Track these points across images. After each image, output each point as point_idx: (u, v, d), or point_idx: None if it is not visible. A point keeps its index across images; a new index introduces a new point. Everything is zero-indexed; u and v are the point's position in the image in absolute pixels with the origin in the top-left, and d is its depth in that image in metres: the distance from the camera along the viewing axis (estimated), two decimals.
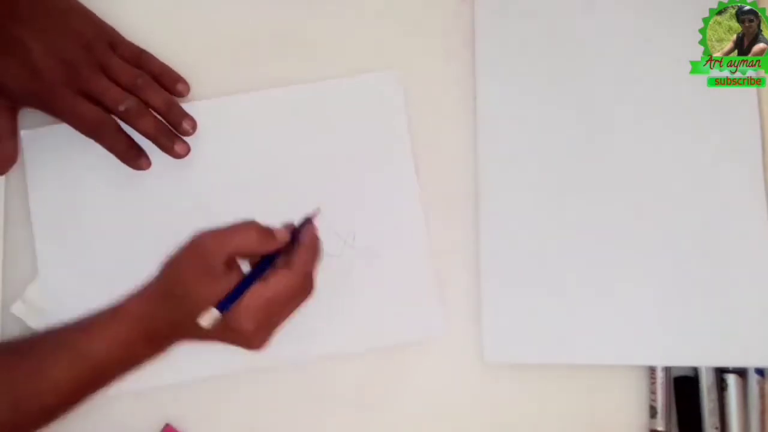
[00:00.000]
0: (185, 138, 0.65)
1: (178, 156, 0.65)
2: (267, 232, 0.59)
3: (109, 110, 0.63)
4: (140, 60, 0.66)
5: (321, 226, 0.63)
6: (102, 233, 0.66)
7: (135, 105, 0.63)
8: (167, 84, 0.66)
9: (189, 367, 0.63)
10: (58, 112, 0.63)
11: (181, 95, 0.67)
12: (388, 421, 0.65)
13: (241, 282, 0.57)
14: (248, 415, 0.65)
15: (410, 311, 0.66)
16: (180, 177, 0.66)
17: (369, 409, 0.65)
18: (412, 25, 0.70)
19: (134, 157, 0.65)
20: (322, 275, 0.62)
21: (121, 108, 0.63)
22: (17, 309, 0.65)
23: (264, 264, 0.59)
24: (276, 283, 0.57)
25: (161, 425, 0.64)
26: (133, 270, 0.60)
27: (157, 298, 0.58)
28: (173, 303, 0.57)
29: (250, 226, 0.59)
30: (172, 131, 0.65)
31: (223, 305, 0.56)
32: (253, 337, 0.58)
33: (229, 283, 0.57)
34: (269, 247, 0.59)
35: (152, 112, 0.64)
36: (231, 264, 0.58)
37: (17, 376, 0.57)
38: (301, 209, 0.63)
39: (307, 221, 0.62)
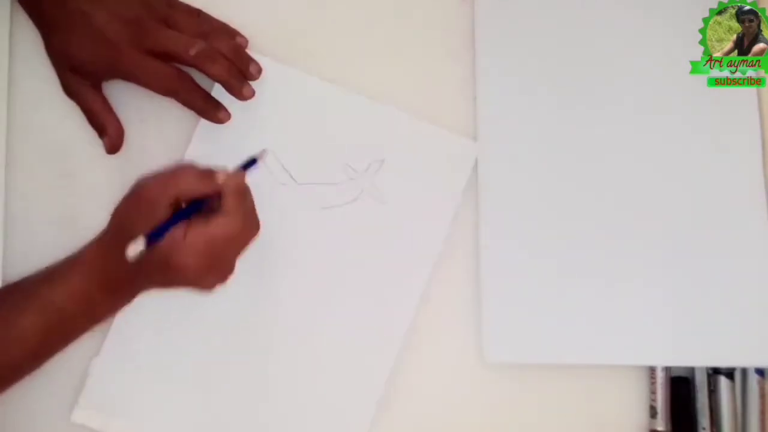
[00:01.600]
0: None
1: (245, 98, 0.65)
2: (207, 172, 0.58)
3: (180, 58, 0.64)
4: (199, 17, 0.67)
5: (329, 189, 0.66)
6: None
7: (205, 48, 0.63)
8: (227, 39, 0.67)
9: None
10: (132, 74, 0.64)
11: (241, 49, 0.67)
12: (388, 421, 0.65)
13: (171, 218, 0.56)
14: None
15: (440, 183, 0.67)
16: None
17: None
18: (412, 25, 0.70)
19: (213, 109, 0.66)
20: (362, 219, 0.65)
21: (192, 52, 0.63)
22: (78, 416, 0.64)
23: (196, 204, 0.57)
24: (215, 225, 0.56)
25: None
26: None
27: (109, 246, 0.58)
28: (121, 247, 0.56)
29: (190, 167, 0.58)
30: (242, 75, 0.66)
31: (153, 236, 0.55)
32: (201, 276, 0.57)
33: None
34: (210, 187, 0.57)
35: (223, 55, 0.65)
36: (176, 207, 0.57)
37: None
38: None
39: (250, 163, 0.60)
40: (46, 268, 0.59)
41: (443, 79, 0.69)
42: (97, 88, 0.66)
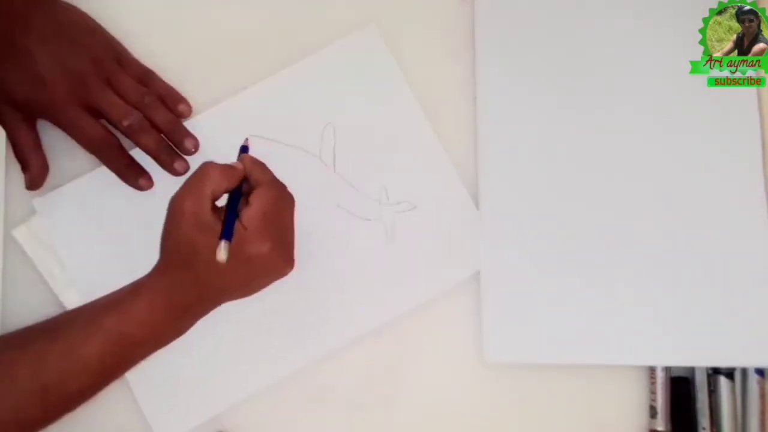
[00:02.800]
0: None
1: (177, 173, 0.65)
2: (227, 167, 0.59)
3: (113, 124, 0.64)
4: (146, 78, 0.67)
5: (352, 193, 0.67)
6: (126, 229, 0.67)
7: (139, 121, 0.64)
8: (170, 105, 0.67)
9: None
10: (63, 125, 0.64)
11: (182, 116, 0.67)
12: (388, 421, 0.65)
13: (227, 214, 0.58)
14: (248, 416, 0.65)
15: (457, 251, 0.67)
16: None
17: (369, 409, 0.65)
18: (413, 25, 0.70)
19: (133, 176, 0.65)
20: (367, 240, 0.66)
21: (125, 123, 0.63)
22: (19, 232, 0.66)
23: (234, 194, 0.59)
24: (257, 200, 0.58)
25: None
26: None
27: (170, 270, 0.58)
28: (186, 269, 0.57)
29: (212, 167, 0.59)
30: (173, 149, 0.66)
31: (226, 234, 0.56)
32: (278, 257, 0.58)
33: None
34: (235, 179, 0.59)
35: (155, 129, 0.65)
36: (215, 209, 0.58)
37: (46, 358, 0.57)
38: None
39: (243, 150, 0.62)
40: (106, 297, 0.59)
41: (443, 79, 0.69)
42: (30, 123, 0.65)
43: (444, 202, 0.67)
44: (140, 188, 0.65)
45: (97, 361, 0.57)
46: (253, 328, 0.65)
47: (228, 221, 0.57)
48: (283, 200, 0.60)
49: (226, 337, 0.65)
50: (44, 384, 0.56)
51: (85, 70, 0.63)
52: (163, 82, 0.67)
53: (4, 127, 0.65)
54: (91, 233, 0.66)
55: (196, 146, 0.66)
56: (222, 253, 0.55)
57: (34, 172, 0.65)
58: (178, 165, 0.65)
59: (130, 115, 0.63)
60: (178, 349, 0.60)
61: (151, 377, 0.64)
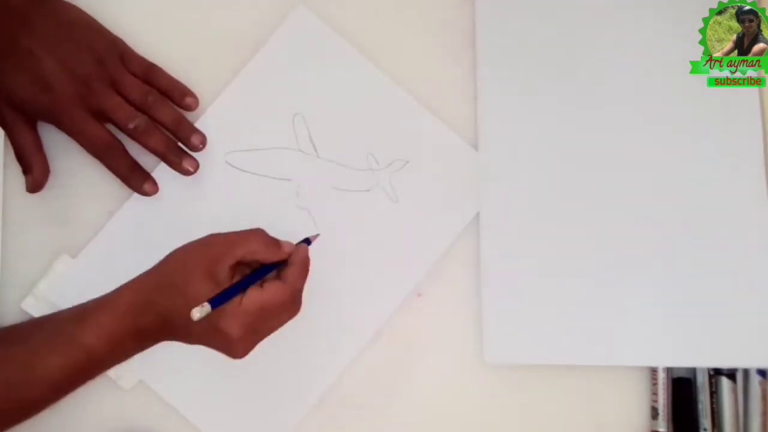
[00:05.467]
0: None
1: (186, 172, 0.65)
2: (274, 241, 0.59)
3: (119, 127, 0.64)
4: (150, 74, 0.66)
5: (342, 172, 0.67)
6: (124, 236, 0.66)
7: (144, 123, 0.63)
8: (176, 98, 0.66)
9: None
10: (67, 128, 0.63)
11: (190, 109, 0.67)
12: (388, 421, 0.65)
13: (237, 284, 0.57)
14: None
15: (453, 202, 0.67)
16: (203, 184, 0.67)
17: (369, 409, 0.65)
18: (413, 24, 0.70)
19: (139, 181, 0.65)
20: (373, 210, 0.66)
21: (131, 125, 0.63)
22: (28, 305, 0.65)
23: (260, 272, 0.59)
24: (270, 292, 0.57)
25: None
26: None
27: (150, 289, 0.57)
28: (168, 294, 0.57)
29: (259, 234, 0.59)
30: (181, 148, 0.65)
31: (216, 302, 0.55)
32: (238, 344, 0.57)
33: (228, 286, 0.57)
34: (274, 256, 0.59)
35: (161, 129, 0.65)
36: (235, 269, 0.58)
37: (9, 364, 0.56)
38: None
39: (306, 241, 0.62)
40: (76, 307, 0.59)
41: (443, 79, 0.69)
42: (31, 125, 0.65)
43: (433, 146, 0.68)
44: (145, 193, 0.65)
45: (57, 371, 0.56)
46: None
47: (230, 291, 0.56)
48: (287, 311, 0.59)
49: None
50: (6, 389, 0.56)
51: (89, 72, 0.63)
52: (168, 76, 0.67)
53: (6, 129, 0.65)
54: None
55: (204, 142, 0.66)
56: (197, 313, 0.54)
57: (36, 174, 0.65)
58: (187, 163, 0.65)
59: (135, 117, 0.63)
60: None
61: None
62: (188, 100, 0.66)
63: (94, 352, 0.56)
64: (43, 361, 0.56)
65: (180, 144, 0.66)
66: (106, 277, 0.59)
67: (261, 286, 0.57)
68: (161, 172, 0.66)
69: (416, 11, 0.70)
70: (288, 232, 0.62)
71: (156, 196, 0.65)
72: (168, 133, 0.65)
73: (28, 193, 0.66)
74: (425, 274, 0.66)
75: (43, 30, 0.62)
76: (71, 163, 0.67)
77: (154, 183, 0.65)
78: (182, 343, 0.59)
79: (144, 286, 0.58)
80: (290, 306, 0.59)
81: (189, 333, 0.57)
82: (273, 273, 0.59)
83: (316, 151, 0.67)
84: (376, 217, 0.67)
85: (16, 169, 0.66)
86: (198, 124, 0.67)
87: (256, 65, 0.68)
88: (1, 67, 0.62)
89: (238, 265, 0.58)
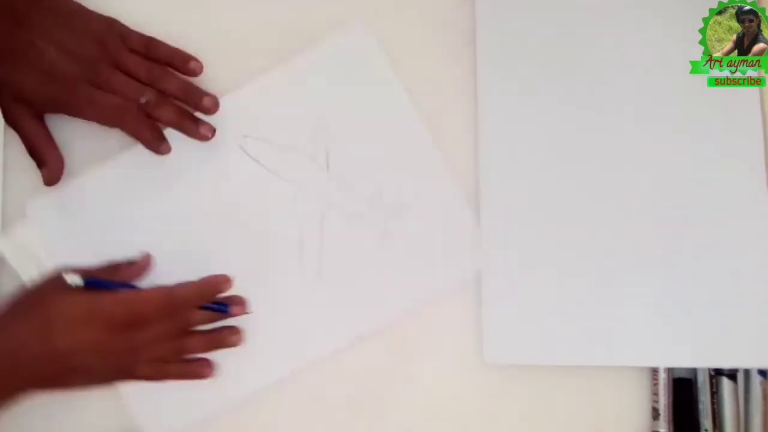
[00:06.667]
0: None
1: (205, 138, 0.65)
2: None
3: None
4: (150, 47, 0.66)
5: (345, 195, 0.66)
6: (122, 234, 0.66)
7: (155, 96, 0.64)
8: (179, 66, 0.67)
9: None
10: (79, 108, 0.64)
11: (195, 74, 0.67)
12: (387, 421, 0.65)
13: (110, 281, 0.60)
14: (248, 416, 0.65)
15: (447, 257, 0.66)
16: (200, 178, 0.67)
17: (369, 409, 0.65)
18: (413, 24, 0.70)
19: (157, 140, 0.65)
20: (360, 242, 0.66)
21: (142, 100, 0.64)
22: (1, 242, 0.65)
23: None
24: (148, 294, 0.60)
25: None
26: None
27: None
28: (21, 320, 0.57)
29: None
30: (195, 116, 0.66)
31: (91, 283, 0.58)
32: (117, 347, 0.58)
33: None
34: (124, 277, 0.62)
35: (171, 101, 0.65)
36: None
37: None
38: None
39: (225, 306, 0.63)
40: None
41: (443, 79, 0.69)
42: (40, 119, 0.65)
43: (438, 205, 0.67)
44: (161, 152, 0.66)
45: None
46: (250, 330, 0.64)
47: (105, 282, 0.59)
48: (166, 316, 0.60)
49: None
50: None
51: (92, 56, 0.63)
52: (167, 46, 0.67)
53: (15, 126, 0.65)
54: (78, 241, 0.65)
55: (216, 103, 0.66)
56: (71, 277, 0.56)
57: (52, 166, 0.65)
58: (204, 129, 0.65)
59: (145, 92, 0.64)
60: None
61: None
62: (192, 64, 0.67)
63: None
64: None
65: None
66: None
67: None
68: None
69: (416, 11, 0.70)
70: (268, 231, 0.65)
71: (158, 156, 0.66)
72: (179, 103, 0.65)
73: (27, 192, 0.66)
74: (381, 324, 0.65)
75: (43, 22, 0.63)
76: (71, 161, 0.67)
77: (168, 144, 0.66)
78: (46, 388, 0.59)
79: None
80: (167, 314, 0.60)
81: (49, 366, 0.57)
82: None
83: (327, 164, 0.67)
84: (361, 250, 0.66)
85: (16, 169, 0.66)
86: (226, 98, 0.67)
87: (299, 62, 0.68)
88: (5, 64, 0.62)
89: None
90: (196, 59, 0.67)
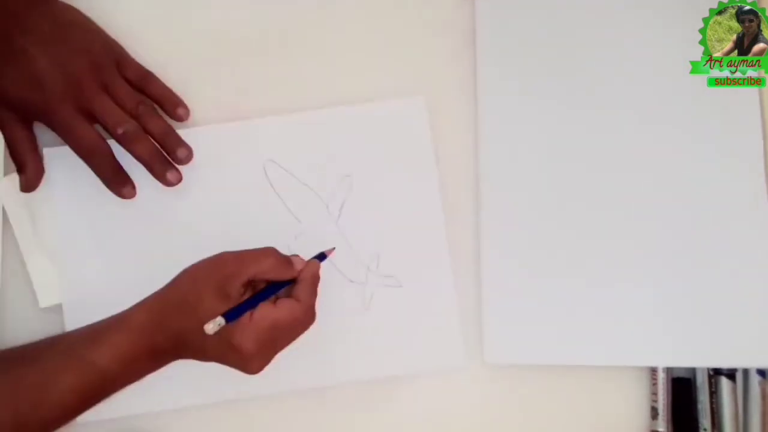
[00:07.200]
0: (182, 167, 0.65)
1: (169, 184, 0.64)
2: (286, 260, 0.60)
3: (108, 130, 0.63)
4: (144, 81, 0.66)
5: (346, 250, 0.65)
6: (120, 247, 0.66)
7: (133, 129, 0.63)
8: (168, 108, 0.66)
9: (188, 394, 0.64)
10: (56, 127, 0.63)
11: (181, 119, 0.67)
12: (388, 421, 0.65)
13: (249, 300, 0.58)
14: (247, 417, 0.65)
15: (431, 342, 0.65)
16: (199, 197, 0.67)
17: (369, 409, 0.65)
18: (413, 24, 0.70)
19: (118, 184, 0.64)
20: (345, 303, 0.65)
21: (120, 131, 0.63)
22: (2, 185, 0.65)
23: (272, 288, 0.59)
24: (284, 310, 0.58)
25: None
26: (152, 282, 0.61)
27: (163, 308, 0.58)
28: (181, 312, 0.57)
29: (270, 252, 0.59)
30: (167, 159, 0.65)
31: (230, 316, 0.56)
32: (252, 359, 0.58)
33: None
34: (286, 275, 0.60)
35: (149, 138, 0.64)
36: (247, 287, 0.58)
37: (21, 387, 0.56)
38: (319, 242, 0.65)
39: (320, 256, 0.62)
40: (88, 326, 0.59)
41: (443, 79, 0.69)
42: (26, 124, 0.65)
43: (430, 291, 0.66)
44: (123, 197, 0.65)
45: (70, 393, 0.56)
46: None
47: (243, 306, 0.57)
48: (300, 325, 0.59)
49: None
50: (17, 412, 0.55)
51: (82, 73, 0.63)
52: (162, 85, 0.67)
53: (1, 128, 0.65)
54: (75, 204, 0.66)
55: (189, 156, 0.65)
56: (210, 327, 0.55)
57: (30, 173, 0.65)
58: (170, 175, 0.64)
59: (124, 122, 0.63)
60: None
61: None
62: (180, 111, 0.67)
63: (108, 373, 0.57)
64: (55, 382, 0.56)
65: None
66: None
67: (274, 302, 0.58)
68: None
69: (416, 11, 0.70)
70: None
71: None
72: (155, 143, 0.65)
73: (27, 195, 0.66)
74: (367, 380, 0.65)
75: (39, 30, 0.62)
76: None
77: (134, 187, 0.65)
78: (197, 361, 0.59)
79: (156, 306, 0.58)
80: (303, 321, 0.60)
81: (203, 350, 0.58)
82: (284, 290, 0.60)
83: (338, 216, 0.67)
84: (343, 311, 0.65)
85: (14, 168, 0.66)
86: (273, 119, 0.67)
87: (351, 110, 0.68)
88: None
89: (250, 282, 0.58)
90: (185, 106, 0.67)
